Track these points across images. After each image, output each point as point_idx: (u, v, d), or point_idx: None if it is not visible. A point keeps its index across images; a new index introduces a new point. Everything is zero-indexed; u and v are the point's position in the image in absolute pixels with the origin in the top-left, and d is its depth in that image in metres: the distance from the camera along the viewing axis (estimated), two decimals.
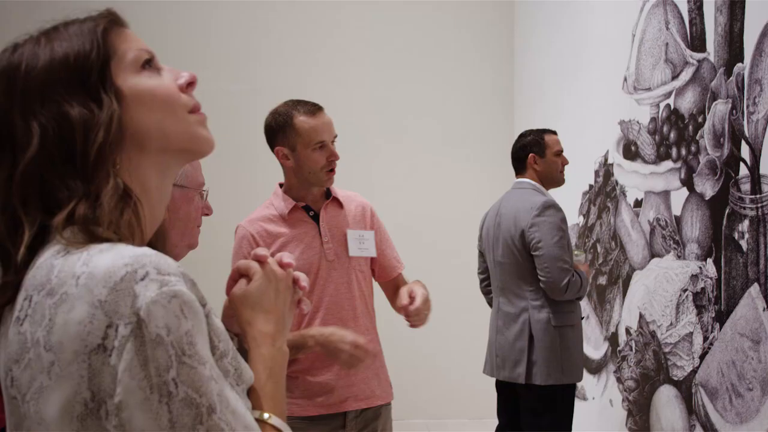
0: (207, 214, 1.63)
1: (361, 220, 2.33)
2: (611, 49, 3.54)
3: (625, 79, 3.38)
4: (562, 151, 3.22)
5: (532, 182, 3.17)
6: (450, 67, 5.20)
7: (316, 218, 2.27)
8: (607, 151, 3.60)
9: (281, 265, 0.96)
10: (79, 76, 0.82)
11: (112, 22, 0.87)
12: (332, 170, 2.24)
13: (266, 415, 0.85)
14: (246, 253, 2.27)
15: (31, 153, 0.79)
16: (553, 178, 3.20)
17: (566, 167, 3.24)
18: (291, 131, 2.21)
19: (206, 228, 1.63)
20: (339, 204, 2.31)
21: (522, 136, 3.28)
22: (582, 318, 3.17)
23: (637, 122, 3.26)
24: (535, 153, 3.19)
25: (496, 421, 3.32)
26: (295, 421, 2.17)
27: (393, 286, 2.38)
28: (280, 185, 2.34)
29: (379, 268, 2.37)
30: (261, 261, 0.95)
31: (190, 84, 0.90)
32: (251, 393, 0.85)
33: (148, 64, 0.87)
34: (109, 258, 0.74)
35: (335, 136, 2.26)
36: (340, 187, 2.36)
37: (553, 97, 4.41)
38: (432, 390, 4.97)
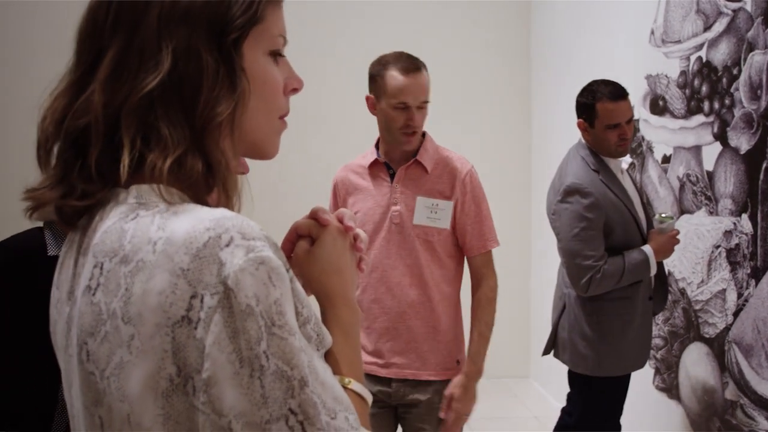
0: None
1: (444, 188, 2.18)
2: (637, 2, 3.44)
3: (653, 32, 3.29)
4: (618, 124, 2.59)
5: (586, 147, 2.66)
6: (465, 24, 5.09)
7: (394, 177, 2.22)
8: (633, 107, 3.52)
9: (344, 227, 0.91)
10: (223, 24, 0.75)
11: None
12: (411, 134, 2.14)
13: (347, 380, 0.79)
14: (332, 200, 2.32)
15: (160, 77, 0.72)
16: (606, 150, 2.62)
17: None
18: (380, 82, 2.15)
19: None
20: (423, 167, 2.19)
21: (583, 88, 2.71)
22: (649, 298, 2.67)
23: (666, 76, 3.18)
24: (584, 119, 2.65)
25: None
26: None
27: (471, 268, 2.24)
28: None
29: (461, 244, 2.22)
30: (324, 224, 0.88)
31: (295, 90, 0.84)
32: (329, 356, 0.79)
33: (279, 54, 0.82)
34: (188, 222, 0.68)
35: (424, 102, 2.14)
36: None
37: (575, 53, 4.31)
38: None
